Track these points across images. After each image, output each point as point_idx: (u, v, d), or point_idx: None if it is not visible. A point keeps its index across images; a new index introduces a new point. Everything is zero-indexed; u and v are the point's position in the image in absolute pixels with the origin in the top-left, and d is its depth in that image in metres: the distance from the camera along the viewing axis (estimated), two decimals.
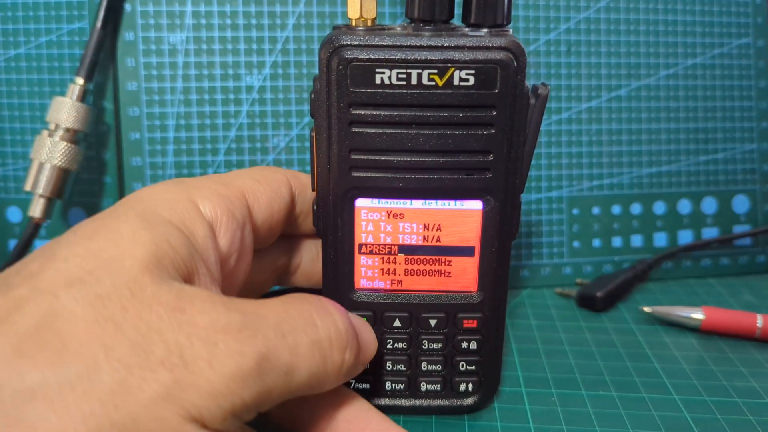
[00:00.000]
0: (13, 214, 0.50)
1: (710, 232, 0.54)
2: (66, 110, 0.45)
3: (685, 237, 0.54)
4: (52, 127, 0.45)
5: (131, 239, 0.24)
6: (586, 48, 0.51)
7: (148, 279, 0.23)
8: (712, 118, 0.53)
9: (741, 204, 0.54)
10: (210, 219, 0.28)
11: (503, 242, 0.32)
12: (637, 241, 0.53)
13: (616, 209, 0.52)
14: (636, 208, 0.53)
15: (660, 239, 0.53)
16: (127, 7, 0.47)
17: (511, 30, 0.30)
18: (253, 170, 0.33)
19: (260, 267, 0.34)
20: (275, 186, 0.32)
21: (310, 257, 0.36)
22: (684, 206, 0.53)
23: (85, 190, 0.49)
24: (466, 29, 0.30)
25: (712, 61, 0.53)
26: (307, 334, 0.25)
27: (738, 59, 0.53)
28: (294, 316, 0.25)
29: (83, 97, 0.45)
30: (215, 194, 0.29)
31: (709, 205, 0.54)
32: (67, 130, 0.45)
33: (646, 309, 0.46)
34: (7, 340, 0.20)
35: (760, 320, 0.43)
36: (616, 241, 0.53)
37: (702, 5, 0.52)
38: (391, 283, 0.33)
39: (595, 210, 0.52)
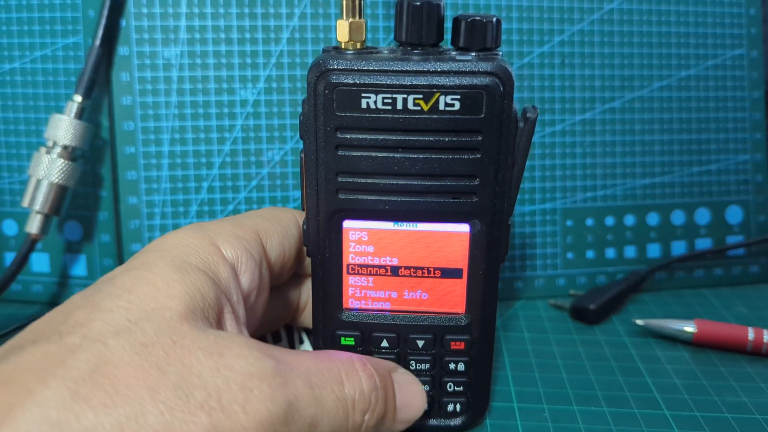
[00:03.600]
0: (9, 227, 0.50)
1: (704, 243, 0.54)
2: (64, 128, 0.45)
3: (679, 248, 0.54)
4: (49, 144, 0.45)
5: (167, 292, 0.26)
6: (580, 60, 0.51)
7: (187, 328, 0.25)
8: (705, 129, 0.53)
9: (734, 215, 0.54)
10: (232, 261, 0.30)
11: (491, 265, 0.32)
12: (630, 252, 0.53)
13: (609, 220, 0.52)
14: (629, 220, 0.53)
15: (653, 250, 0.53)
16: (122, 22, 0.47)
17: (500, 53, 0.30)
18: (263, 211, 0.35)
19: (274, 304, 0.35)
20: (285, 225, 0.34)
21: None
22: (677, 217, 0.54)
23: (80, 203, 0.49)
24: (455, 53, 0.30)
25: (706, 72, 0.53)
26: (333, 390, 0.26)
27: (732, 70, 0.53)
28: (323, 370, 0.27)
29: (81, 115, 0.46)
30: (234, 236, 0.31)
31: (703, 216, 0.54)
32: (65, 147, 0.45)
33: (639, 322, 0.46)
34: (65, 384, 0.21)
35: (751, 333, 0.43)
36: (610, 253, 0.53)
37: (696, 17, 0.52)
38: (379, 304, 0.33)
39: (589, 221, 0.52)
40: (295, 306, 0.37)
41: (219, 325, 0.28)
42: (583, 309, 0.48)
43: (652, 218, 0.53)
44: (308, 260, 0.35)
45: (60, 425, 0.20)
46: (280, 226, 0.34)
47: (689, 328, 0.44)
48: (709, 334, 0.44)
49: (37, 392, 0.21)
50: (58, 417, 0.21)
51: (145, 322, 0.24)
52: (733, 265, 0.54)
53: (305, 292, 0.38)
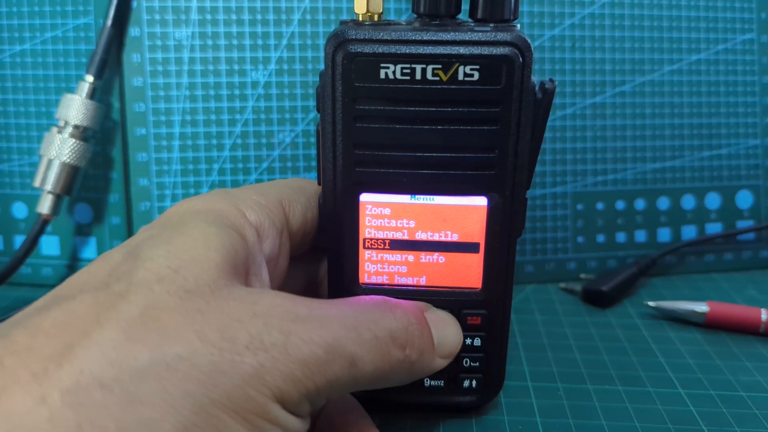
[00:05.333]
0: (19, 210, 0.50)
1: (714, 228, 0.54)
2: (76, 107, 0.45)
3: (689, 232, 0.54)
4: (61, 123, 0.45)
5: (204, 243, 0.26)
6: (591, 44, 0.51)
7: (223, 281, 0.25)
8: (716, 113, 0.53)
9: (745, 199, 0.54)
10: (256, 226, 0.30)
11: (508, 239, 0.32)
12: (641, 236, 0.53)
13: (620, 205, 0.52)
14: (640, 204, 0.53)
15: (664, 234, 0.53)
16: (134, 2, 0.47)
17: (518, 25, 0.30)
18: (289, 180, 0.35)
19: (294, 274, 0.35)
20: (309, 195, 0.34)
21: None
22: (688, 201, 0.53)
23: (91, 185, 0.49)
24: (473, 24, 0.30)
25: (716, 56, 0.53)
26: (369, 329, 0.27)
27: (742, 55, 0.53)
28: (357, 312, 0.27)
29: (92, 95, 0.45)
30: (257, 204, 0.31)
31: (713, 200, 0.54)
32: (77, 127, 0.45)
33: (651, 304, 0.46)
34: (118, 326, 0.22)
35: (764, 314, 0.43)
36: (620, 237, 0.53)
37: (706, 1, 0.52)
38: (395, 279, 0.33)
39: (600, 205, 0.52)
40: (313, 277, 0.37)
41: (248, 284, 0.28)
42: (595, 291, 0.48)
43: (663, 202, 0.53)
44: None
45: (120, 363, 0.21)
46: (304, 197, 0.34)
47: (702, 308, 0.44)
48: (721, 315, 0.44)
49: (95, 333, 0.22)
50: (117, 356, 0.21)
51: (184, 270, 0.25)
52: (743, 249, 0.54)
53: (324, 265, 0.37)
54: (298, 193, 0.34)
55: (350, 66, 0.29)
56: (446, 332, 0.31)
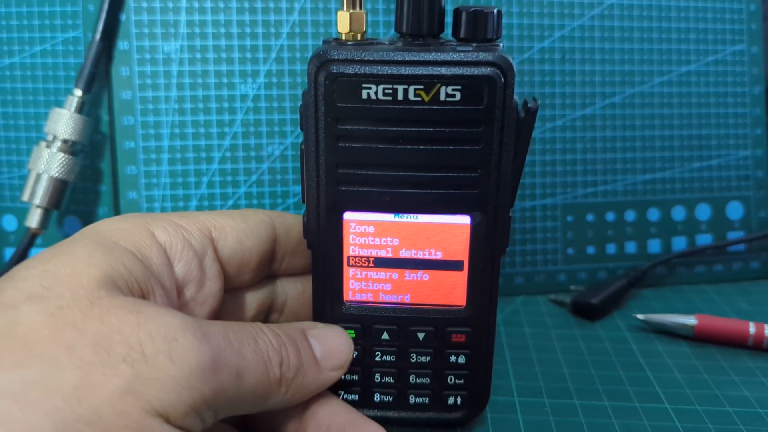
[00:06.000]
0: (9, 223, 0.50)
1: (704, 239, 0.54)
2: (64, 122, 0.45)
3: (679, 244, 0.54)
4: (50, 138, 0.45)
5: (87, 261, 0.25)
6: (581, 55, 0.51)
7: (105, 292, 0.24)
8: (706, 125, 0.53)
9: (735, 210, 0.54)
10: (165, 246, 0.30)
11: (492, 257, 0.32)
12: (631, 247, 0.53)
13: (610, 216, 0.52)
14: (630, 215, 0.53)
15: (654, 246, 0.53)
16: (122, 16, 0.47)
17: (501, 45, 0.30)
18: (231, 210, 0.35)
19: (244, 305, 0.35)
20: (252, 224, 0.33)
21: (295, 294, 0.37)
22: (678, 213, 0.53)
23: (80, 198, 0.49)
24: (455, 44, 0.30)
25: (707, 68, 0.53)
26: (250, 344, 0.27)
27: (732, 66, 0.53)
28: (237, 329, 0.27)
29: (81, 109, 0.46)
30: (172, 224, 0.30)
31: (703, 211, 0.54)
32: (65, 141, 0.45)
33: (640, 316, 0.46)
34: None
35: (752, 328, 0.43)
36: (611, 248, 0.53)
37: (696, 12, 0.52)
38: (380, 297, 0.33)
39: (590, 217, 0.52)
40: (269, 307, 0.36)
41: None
42: (584, 304, 0.48)
43: (653, 214, 0.53)
44: (285, 259, 0.35)
45: None
46: (243, 225, 0.33)
47: (690, 321, 0.44)
48: (710, 328, 0.44)
49: None
50: None
51: (60, 287, 0.24)
52: (733, 260, 0.54)
53: (281, 293, 0.37)
54: (236, 221, 0.33)
55: (332, 86, 0.29)
56: (332, 345, 0.31)
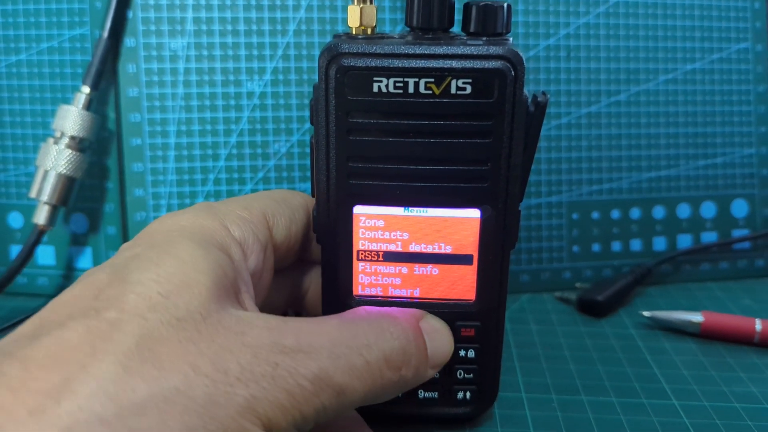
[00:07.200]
0: (15, 220, 0.50)
1: (709, 237, 0.54)
2: (72, 119, 0.45)
3: (684, 241, 0.54)
4: (57, 134, 0.45)
5: (193, 266, 0.26)
6: (586, 53, 0.51)
7: (214, 306, 0.25)
8: (711, 122, 0.53)
9: (740, 208, 0.54)
10: (240, 242, 0.30)
11: (502, 251, 0.32)
12: (636, 245, 0.53)
13: (615, 214, 0.52)
14: (635, 213, 0.53)
15: (659, 243, 0.53)
16: (129, 13, 0.47)
17: (510, 39, 0.30)
18: (273, 192, 0.35)
19: (278, 287, 0.35)
20: (293, 208, 0.34)
21: (319, 281, 0.37)
22: (683, 210, 0.54)
23: (86, 195, 0.49)
24: (465, 38, 0.30)
25: (711, 65, 0.53)
26: (361, 355, 0.27)
27: (737, 64, 0.53)
28: (348, 338, 0.27)
29: (88, 106, 0.46)
30: (241, 219, 0.31)
31: (708, 209, 0.54)
32: (73, 138, 0.45)
33: (646, 314, 0.46)
34: (115, 358, 0.22)
35: (758, 324, 0.43)
36: (616, 246, 0.53)
37: (701, 10, 0.52)
38: (389, 291, 0.33)
39: (595, 215, 0.52)
40: (297, 291, 0.37)
41: (239, 303, 0.28)
42: (590, 301, 0.48)
43: (658, 211, 0.53)
44: (313, 244, 0.35)
45: (119, 398, 0.21)
46: (288, 209, 0.33)
47: (697, 318, 0.44)
48: (716, 325, 0.44)
49: (91, 366, 0.21)
50: (115, 390, 0.21)
51: (175, 296, 0.25)
52: (738, 258, 0.54)
53: (308, 278, 0.37)
54: (282, 206, 0.33)
55: (343, 80, 0.29)
56: (439, 343, 0.31)
